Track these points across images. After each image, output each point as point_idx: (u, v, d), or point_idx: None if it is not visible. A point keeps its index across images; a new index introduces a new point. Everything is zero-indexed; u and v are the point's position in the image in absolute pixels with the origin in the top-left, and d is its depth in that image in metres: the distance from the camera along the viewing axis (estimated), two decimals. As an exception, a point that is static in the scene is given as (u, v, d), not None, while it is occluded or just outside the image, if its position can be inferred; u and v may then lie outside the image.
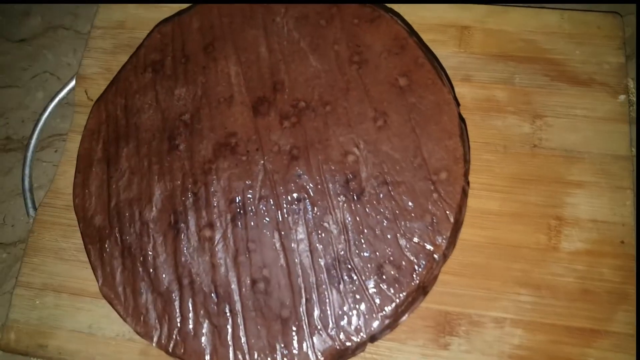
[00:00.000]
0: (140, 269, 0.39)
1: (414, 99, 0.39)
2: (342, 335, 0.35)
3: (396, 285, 0.35)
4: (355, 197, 0.37)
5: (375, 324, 0.35)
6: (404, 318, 0.36)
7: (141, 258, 0.39)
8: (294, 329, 0.35)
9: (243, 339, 0.36)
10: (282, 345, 0.35)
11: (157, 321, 0.38)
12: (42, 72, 0.59)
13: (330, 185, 0.38)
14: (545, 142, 0.47)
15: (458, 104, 0.39)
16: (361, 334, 0.35)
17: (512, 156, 0.47)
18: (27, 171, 0.53)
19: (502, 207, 0.46)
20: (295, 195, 0.38)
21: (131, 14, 0.55)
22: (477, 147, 0.47)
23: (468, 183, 0.38)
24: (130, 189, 0.41)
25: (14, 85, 0.59)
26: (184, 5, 0.51)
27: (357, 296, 0.35)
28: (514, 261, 0.44)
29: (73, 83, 0.54)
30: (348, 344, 0.35)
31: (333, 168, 0.38)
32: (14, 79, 0.59)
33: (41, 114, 0.55)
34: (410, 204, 0.36)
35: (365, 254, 0.36)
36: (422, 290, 0.36)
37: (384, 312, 0.35)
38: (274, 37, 0.42)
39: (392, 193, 0.37)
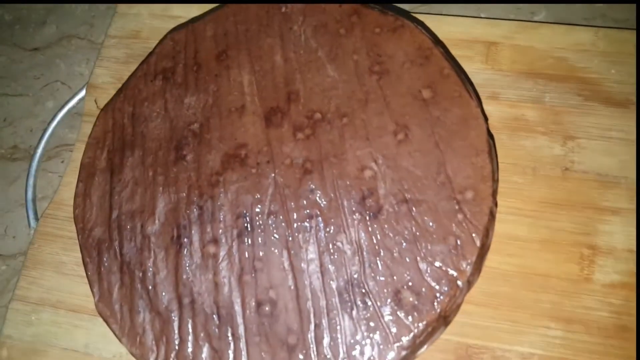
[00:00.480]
0: (139, 286, 0.36)
1: (439, 113, 0.36)
2: (353, 367, 0.31)
3: (415, 313, 0.32)
4: (371, 216, 0.34)
5: (391, 355, 0.31)
6: (422, 350, 0.32)
7: (140, 274, 0.36)
8: (301, 357, 0.32)
9: (245, 367, 0.33)
10: (288, 376, 0.32)
11: (154, 343, 0.35)
12: (53, 82, 0.58)
13: (345, 201, 0.35)
14: (577, 165, 0.44)
15: (486, 119, 0.37)
16: (375, 366, 0.31)
17: (541, 179, 0.44)
18: (31, 181, 0.51)
19: (530, 233, 0.42)
20: (307, 211, 0.35)
21: (146, 24, 0.54)
22: (504, 168, 0.44)
23: (496, 204, 0.35)
24: (133, 201, 0.39)
25: (24, 93, 0.58)
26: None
27: (372, 324, 0.32)
28: (543, 292, 0.41)
29: (83, 92, 0.53)
30: (360, 377, 0.31)
31: (348, 184, 0.36)
32: (25, 88, 0.58)
33: (49, 123, 0.53)
34: (432, 224, 0.33)
35: (382, 278, 0.33)
36: (443, 320, 0.32)
37: (400, 343, 0.31)
38: (290, 45, 0.40)
39: (412, 212, 0.34)
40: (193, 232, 0.37)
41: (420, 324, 0.32)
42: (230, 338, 0.34)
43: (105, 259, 0.37)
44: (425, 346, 0.32)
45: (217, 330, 0.34)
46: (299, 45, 0.40)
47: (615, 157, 0.44)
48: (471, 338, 0.40)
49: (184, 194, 0.38)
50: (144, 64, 0.43)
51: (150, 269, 0.36)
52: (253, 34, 0.41)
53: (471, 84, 0.47)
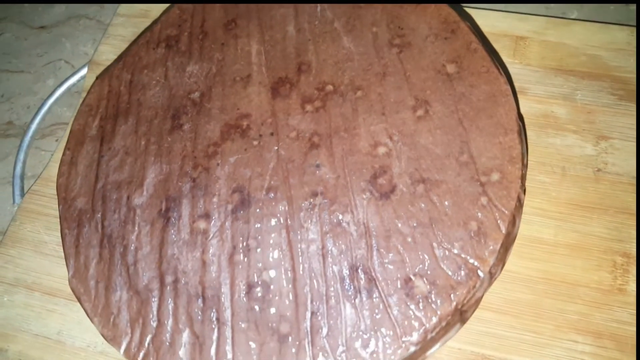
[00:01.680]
0: (118, 262, 0.32)
1: (464, 89, 0.33)
2: (353, 362, 0.27)
3: (427, 305, 0.28)
4: (383, 196, 0.31)
5: (398, 351, 0.27)
6: (434, 349, 0.28)
7: (121, 249, 0.33)
8: (293, 348, 0.28)
9: (229, 356, 0.29)
10: (277, 369, 0.28)
11: (128, 324, 0.31)
12: (56, 60, 0.55)
13: (354, 179, 0.31)
14: (611, 167, 0.40)
15: (517, 100, 0.33)
16: (378, 362, 0.27)
17: (571, 179, 0.40)
18: (21, 156, 0.48)
19: (557, 237, 0.38)
20: (311, 188, 0.32)
21: (156, 4, 0.52)
22: (530, 167, 0.41)
23: (524, 191, 0.31)
24: (122, 171, 0.35)
25: (25, 70, 0.55)
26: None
27: (377, 315, 0.28)
28: (570, 302, 0.36)
29: (85, 70, 0.50)
30: (360, 374, 0.27)
31: (359, 160, 0.32)
32: (27, 65, 0.55)
33: (46, 99, 0.51)
34: (451, 207, 0.30)
35: (391, 264, 0.29)
36: (460, 315, 0.28)
37: (409, 338, 0.27)
38: (304, 15, 0.37)
39: (429, 193, 0.30)
40: (183, 205, 0.33)
41: (433, 318, 0.27)
42: (214, 323, 0.30)
43: (85, 231, 0.34)
44: (437, 344, 0.28)
45: (200, 313, 0.30)
46: (313, 15, 0.37)
47: (653, 161, 0.40)
48: (488, 348, 0.36)
49: (177, 165, 0.34)
50: (147, 32, 0.40)
51: (133, 244, 0.33)
52: (265, 3, 0.38)
53: (502, 63, 0.44)
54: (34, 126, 0.49)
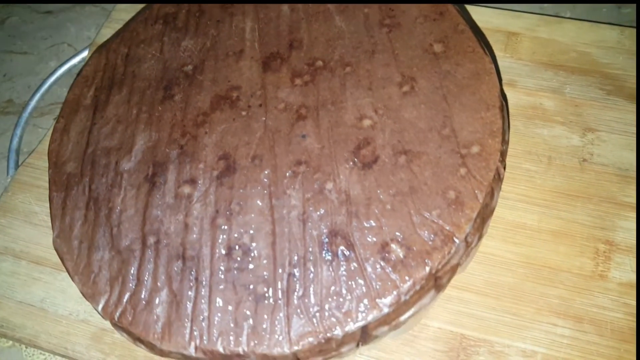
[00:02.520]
0: (102, 223, 0.33)
1: (449, 67, 0.33)
2: (326, 321, 0.27)
3: (402, 268, 0.28)
4: (365, 166, 0.31)
5: (371, 312, 0.27)
6: (407, 315, 0.28)
7: (106, 211, 0.33)
8: (269, 308, 0.28)
9: (204, 314, 0.29)
10: (251, 326, 0.28)
11: (108, 283, 0.31)
12: (60, 43, 0.56)
13: (338, 149, 0.32)
14: (596, 158, 0.40)
15: (500, 79, 0.34)
16: (351, 322, 0.27)
17: (557, 168, 0.40)
18: (18, 131, 0.49)
19: (541, 223, 0.38)
20: (295, 157, 0.32)
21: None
22: (516, 155, 0.41)
23: (504, 166, 0.31)
24: (112, 138, 0.36)
25: (29, 52, 0.56)
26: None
27: (352, 277, 0.28)
28: (551, 286, 0.36)
29: (87, 52, 0.51)
30: (333, 332, 0.27)
31: (344, 132, 0.32)
32: (31, 47, 0.57)
33: (47, 78, 0.52)
34: (431, 177, 0.30)
35: (369, 230, 0.29)
36: (435, 281, 0.28)
37: (383, 299, 0.27)
38: (299, -4, 0.38)
39: (410, 164, 0.31)
40: (170, 171, 0.33)
41: (407, 281, 0.27)
42: (192, 282, 0.30)
43: (72, 193, 0.34)
44: (412, 309, 0.28)
45: (179, 273, 0.30)
46: (308, -4, 0.38)
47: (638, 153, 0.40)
48: (467, 329, 0.36)
49: (166, 133, 0.35)
50: (146, 9, 0.41)
51: (118, 207, 0.33)
52: (262, -15, 0.39)
53: (489, 46, 0.44)
54: (32, 103, 0.50)
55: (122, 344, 0.38)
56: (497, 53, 0.46)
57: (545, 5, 0.50)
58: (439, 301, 0.37)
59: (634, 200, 0.39)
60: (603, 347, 0.34)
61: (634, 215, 0.38)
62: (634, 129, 0.41)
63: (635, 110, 0.42)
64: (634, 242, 0.37)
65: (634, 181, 0.39)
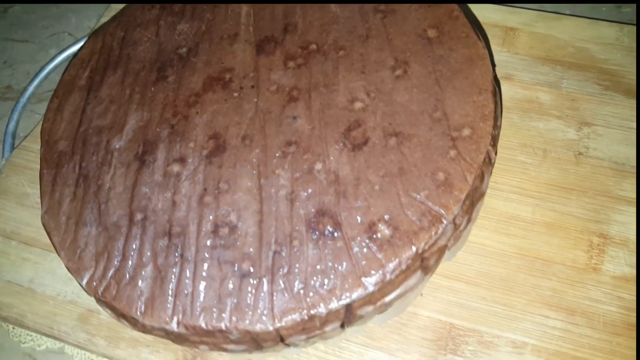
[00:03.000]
0: (91, 199, 0.33)
1: (443, 51, 0.33)
2: (310, 298, 0.27)
3: (388, 248, 0.27)
4: (355, 147, 0.31)
5: (356, 290, 0.27)
6: (392, 295, 0.28)
7: (96, 188, 0.33)
8: (253, 285, 0.28)
9: (188, 290, 0.29)
10: (234, 302, 0.28)
11: (93, 258, 0.31)
12: (61, 32, 0.57)
13: (329, 131, 0.32)
14: (592, 152, 0.40)
15: (494, 65, 0.33)
16: (334, 299, 0.27)
17: (552, 161, 0.40)
18: (15, 115, 0.49)
19: (534, 215, 0.38)
20: (286, 137, 0.32)
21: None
22: (511, 147, 0.41)
23: (496, 151, 0.31)
24: (105, 117, 0.36)
25: (30, 40, 0.57)
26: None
27: (339, 256, 0.28)
28: (543, 278, 0.36)
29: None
30: (317, 310, 0.27)
31: (335, 113, 0.32)
32: (32, 35, 0.57)
33: (46, 65, 0.52)
34: (421, 159, 0.30)
35: (357, 210, 0.29)
36: (421, 262, 0.28)
37: (368, 278, 0.27)
38: (296, -18, 0.38)
39: (400, 146, 0.30)
40: (160, 150, 0.33)
41: (393, 260, 0.27)
42: (178, 259, 0.30)
43: (63, 171, 0.34)
44: (397, 291, 0.28)
45: (165, 249, 0.30)
46: (304, -18, 0.38)
47: (635, 147, 0.40)
48: (457, 318, 0.35)
49: (158, 113, 0.35)
50: (145, -5, 0.41)
51: (107, 184, 0.33)
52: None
53: (483, 32, 0.44)
54: (30, 89, 0.50)
55: (108, 325, 0.37)
56: (494, 47, 0.46)
57: (545, 5, 0.50)
58: (429, 290, 0.36)
59: (629, 194, 0.38)
60: (595, 340, 0.34)
61: (629, 209, 0.38)
62: (631, 124, 0.41)
63: (632, 105, 0.42)
64: (629, 235, 0.37)
65: (630, 175, 0.39)
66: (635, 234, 0.37)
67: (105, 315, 0.38)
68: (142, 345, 0.37)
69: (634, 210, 0.37)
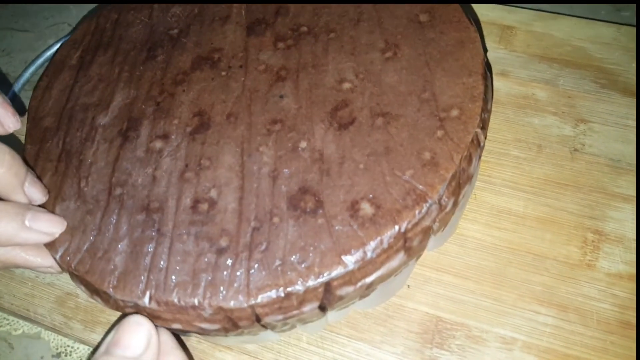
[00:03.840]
0: (72, 174, 0.32)
1: (434, 35, 0.33)
2: (288, 274, 0.26)
3: (370, 226, 0.27)
4: (342, 127, 0.30)
5: (335, 268, 0.26)
6: (373, 277, 0.27)
7: (77, 163, 0.32)
8: (230, 260, 0.27)
9: (163, 264, 0.28)
10: (209, 279, 0.27)
11: (70, 232, 0.30)
12: (61, 23, 0.57)
13: (315, 110, 0.31)
14: (588, 148, 0.39)
15: (485, 50, 0.33)
16: (312, 276, 0.26)
17: (546, 156, 0.39)
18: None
19: (527, 210, 0.37)
20: (271, 115, 0.31)
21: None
22: (505, 142, 0.40)
23: (485, 135, 0.30)
24: (92, 95, 0.35)
25: (30, 30, 0.57)
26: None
27: (319, 233, 0.27)
28: (535, 273, 0.35)
29: (85, 30, 0.51)
30: (294, 287, 0.26)
31: (323, 93, 0.32)
32: (32, 25, 0.57)
33: (43, 52, 0.52)
34: (407, 139, 0.29)
35: (340, 188, 0.28)
36: (404, 243, 0.27)
37: (348, 256, 0.26)
38: (290, -31, 0.38)
39: (387, 126, 0.30)
40: (143, 126, 0.33)
41: (375, 238, 0.26)
42: (154, 234, 0.29)
43: (46, 146, 0.34)
44: (379, 271, 0.27)
45: (142, 224, 0.29)
46: (298, -32, 0.37)
47: (631, 145, 0.39)
48: (444, 311, 0.34)
49: (144, 90, 0.34)
50: (140, -21, 0.41)
51: (89, 159, 0.32)
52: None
53: (478, 23, 0.43)
54: (26, 75, 0.50)
55: (85, 308, 0.36)
56: (491, 45, 0.46)
57: (543, 5, 0.50)
58: (416, 282, 0.35)
59: (625, 190, 0.37)
60: (587, 338, 0.32)
61: (625, 205, 0.37)
62: (628, 122, 0.40)
63: (628, 103, 0.41)
64: (625, 232, 0.36)
65: (626, 172, 0.38)
66: (631, 231, 0.35)
67: (82, 297, 0.37)
68: (119, 329, 0.35)
69: (630, 207, 0.36)
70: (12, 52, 0.55)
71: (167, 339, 0.27)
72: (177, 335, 0.29)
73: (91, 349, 0.37)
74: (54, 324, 0.36)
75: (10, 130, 0.31)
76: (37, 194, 0.30)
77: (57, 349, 0.37)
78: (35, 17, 0.58)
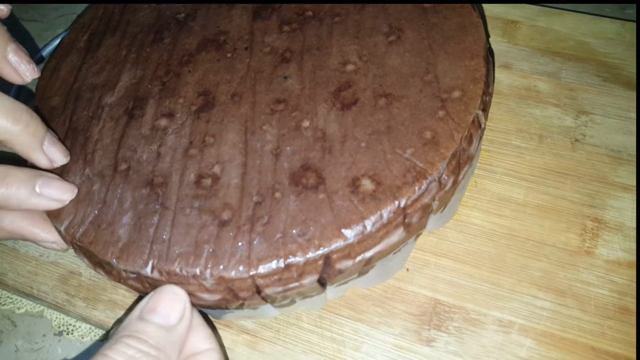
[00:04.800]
0: (78, 151, 0.32)
1: (437, 19, 0.33)
2: (289, 246, 0.26)
3: (370, 201, 0.27)
4: (344, 107, 0.31)
5: (335, 241, 0.26)
6: (372, 251, 0.27)
7: (83, 140, 0.33)
8: (231, 232, 0.27)
9: (166, 236, 0.28)
10: (211, 250, 0.27)
11: (74, 205, 0.30)
12: (70, 14, 0.58)
13: (319, 90, 0.32)
14: (589, 139, 0.39)
15: (488, 35, 0.33)
16: (313, 248, 0.26)
17: (548, 146, 0.39)
18: (15, 86, 0.49)
19: (527, 197, 0.37)
20: (275, 95, 0.32)
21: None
22: (507, 132, 0.40)
23: (486, 117, 0.31)
24: (99, 76, 0.36)
25: (39, 20, 0.58)
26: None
27: (319, 207, 0.27)
28: (534, 259, 0.35)
29: (93, 19, 0.52)
30: (295, 259, 0.26)
31: (327, 75, 0.32)
32: (41, 15, 0.58)
33: (51, 41, 0.52)
34: (409, 119, 0.29)
35: (341, 166, 0.28)
36: (403, 219, 0.27)
37: (348, 229, 0.26)
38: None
39: (389, 106, 0.30)
40: (149, 105, 0.33)
41: (374, 212, 0.26)
42: (158, 207, 0.29)
43: (53, 124, 0.34)
44: (378, 246, 0.27)
45: (146, 198, 0.30)
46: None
47: (632, 136, 0.39)
48: (442, 294, 0.34)
49: (151, 71, 0.35)
50: (149, -33, 0.42)
51: (95, 137, 0.33)
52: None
53: (482, 14, 0.44)
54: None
55: (87, 286, 0.37)
56: (495, 38, 0.46)
57: (549, 4, 0.50)
58: (415, 266, 0.35)
59: (626, 180, 0.37)
60: (585, 323, 0.32)
61: (625, 195, 0.37)
62: (630, 114, 0.40)
63: (630, 96, 0.41)
64: (624, 221, 0.36)
65: (627, 162, 0.38)
66: (630, 219, 0.36)
67: (85, 276, 0.37)
68: (120, 308, 0.36)
69: (629, 196, 0.37)
70: (20, 42, 0.56)
71: (196, 314, 0.27)
72: (204, 314, 0.29)
73: (92, 327, 0.37)
74: (57, 301, 0.37)
75: (28, 80, 0.31)
76: (58, 154, 0.30)
77: (59, 327, 0.38)
78: (44, 7, 0.59)
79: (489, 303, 0.34)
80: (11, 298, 0.39)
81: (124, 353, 0.23)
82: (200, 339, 0.27)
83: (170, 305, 0.26)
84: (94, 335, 0.37)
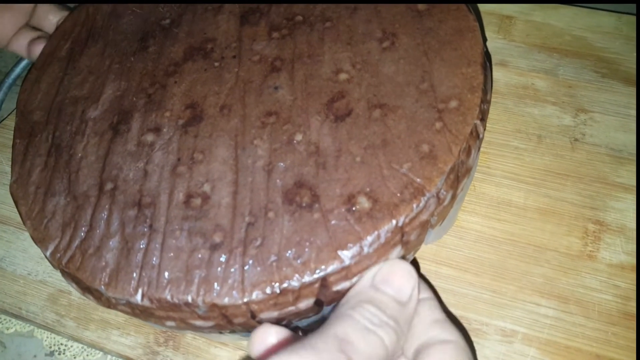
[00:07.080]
0: (62, 169, 0.31)
1: (432, 24, 0.32)
2: (284, 270, 0.25)
3: (367, 220, 0.26)
4: (338, 118, 0.29)
5: (332, 263, 0.25)
6: (370, 273, 0.26)
7: (67, 157, 0.32)
8: (223, 256, 0.26)
9: (155, 261, 0.27)
10: (203, 275, 0.26)
11: (60, 229, 0.29)
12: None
13: (311, 102, 0.30)
14: (589, 138, 0.38)
15: (485, 39, 0.32)
16: (308, 272, 0.25)
17: (547, 147, 0.38)
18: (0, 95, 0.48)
19: (527, 201, 0.36)
20: (266, 107, 0.31)
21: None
22: (505, 133, 0.40)
23: (484, 126, 0.30)
24: (82, 87, 0.34)
25: (20, 23, 0.55)
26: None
27: (315, 228, 0.26)
28: (535, 264, 0.34)
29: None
30: (290, 283, 0.25)
31: (319, 84, 0.31)
32: (22, 18, 0.56)
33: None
34: (405, 131, 0.28)
35: (336, 182, 0.27)
36: (401, 238, 0.26)
37: (344, 251, 0.25)
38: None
39: (385, 118, 0.29)
40: (134, 119, 0.32)
41: (371, 232, 0.25)
42: (146, 229, 0.28)
43: (36, 140, 0.33)
44: (376, 266, 0.26)
45: (134, 220, 0.28)
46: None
47: (633, 134, 0.38)
48: (444, 304, 0.33)
49: (135, 82, 0.33)
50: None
51: (79, 154, 0.32)
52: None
53: (478, 13, 0.43)
54: (17, 70, 0.49)
55: (78, 305, 0.36)
56: (490, 34, 0.45)
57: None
58: (415, 276, 0.34)
59: (627, 181, 0.37)
60: (589, 330, 0.32)
61: (626, 196, 0.36)
62: (629, 112, 0.39)
63: (630, 92, 0.40)
64: (626, 223, 0.35)
65: (628, 162, 0.37)
66: (632, 221, 0.35)
67: (75, 295, 0.36)
68: (112, 327, 0.35)
69: (631, 197, 0.36)
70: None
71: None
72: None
73: (84, 347, 0.36)
74: (47, 322, 0.36)
75: None
76: None
77: (50, 347, 0.37)
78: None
79: (491, 312, 0.33)
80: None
81: (368, 318, 0.22)
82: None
83: (405, 281, 0.24)
84: (87, 355, 0.36)
